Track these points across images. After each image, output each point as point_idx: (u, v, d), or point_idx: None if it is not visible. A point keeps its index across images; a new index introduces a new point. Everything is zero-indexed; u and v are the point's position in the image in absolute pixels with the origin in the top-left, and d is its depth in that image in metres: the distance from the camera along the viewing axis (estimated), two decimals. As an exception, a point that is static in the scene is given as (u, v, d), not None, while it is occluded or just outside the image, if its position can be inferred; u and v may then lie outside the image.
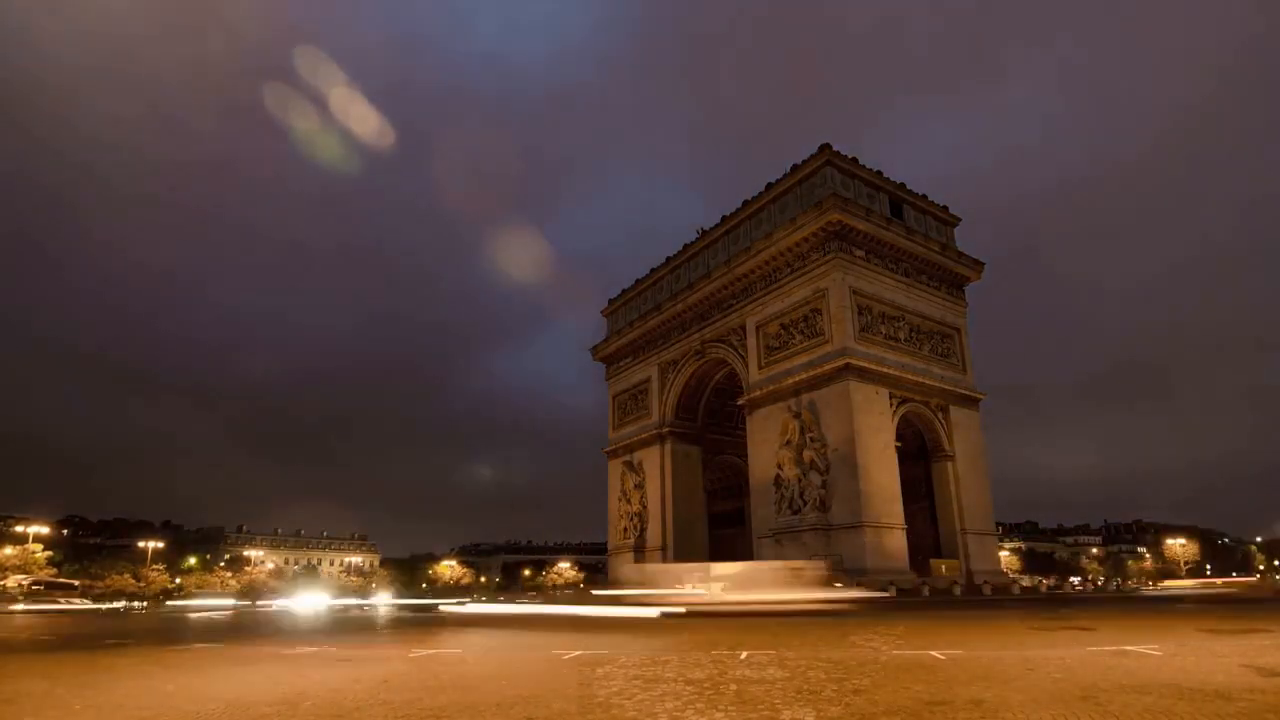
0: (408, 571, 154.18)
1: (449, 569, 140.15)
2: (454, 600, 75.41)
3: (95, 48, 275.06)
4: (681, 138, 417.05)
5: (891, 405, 59.81)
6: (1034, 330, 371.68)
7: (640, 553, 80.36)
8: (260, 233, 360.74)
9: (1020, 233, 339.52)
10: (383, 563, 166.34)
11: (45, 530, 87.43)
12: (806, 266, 62.92)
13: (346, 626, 30.89)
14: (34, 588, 60.23)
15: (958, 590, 53.98)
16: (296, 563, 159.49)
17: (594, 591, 63.59)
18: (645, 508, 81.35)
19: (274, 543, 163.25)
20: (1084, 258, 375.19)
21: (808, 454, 58.70)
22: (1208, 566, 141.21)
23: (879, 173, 66.16)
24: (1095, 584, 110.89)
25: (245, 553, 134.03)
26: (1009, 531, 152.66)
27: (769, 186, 68.64)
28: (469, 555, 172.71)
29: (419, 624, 31.37)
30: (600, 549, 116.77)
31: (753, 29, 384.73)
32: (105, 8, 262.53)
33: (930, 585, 52.65)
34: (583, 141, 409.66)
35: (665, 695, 8.94)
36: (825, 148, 63.50)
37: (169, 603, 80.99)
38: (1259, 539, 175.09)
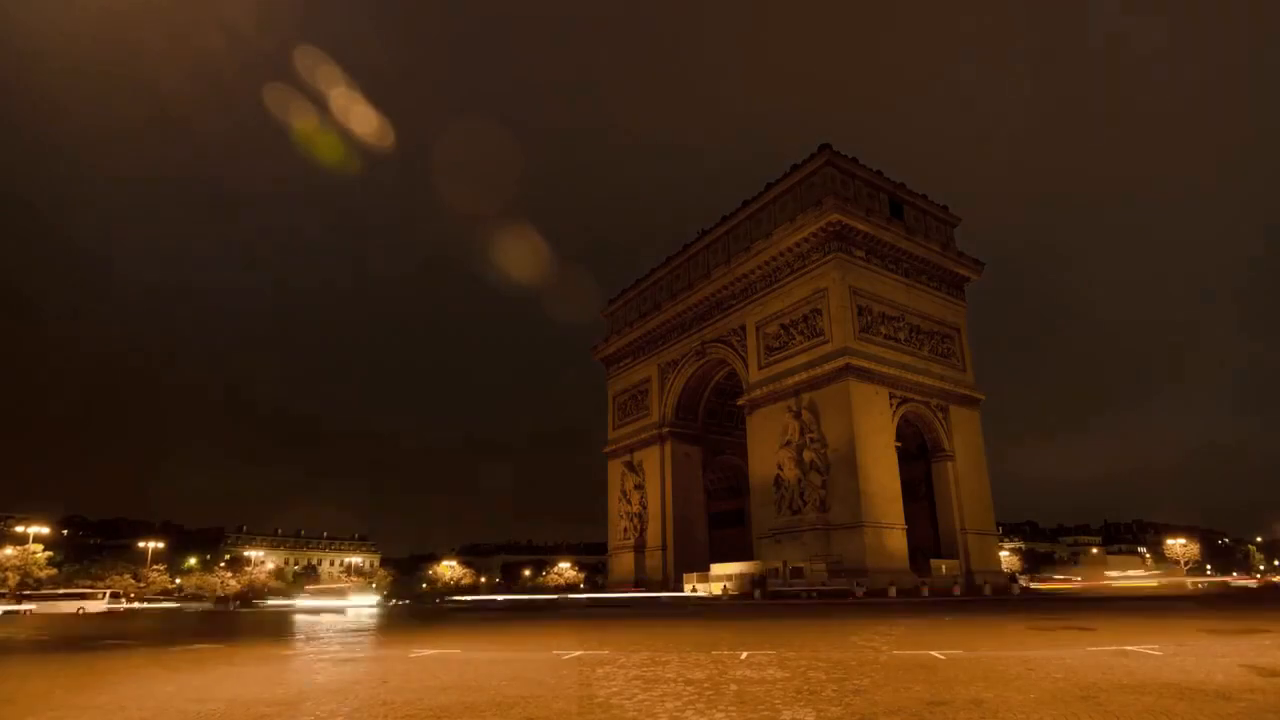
0: (408, 571, 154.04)
1: (449, 569, 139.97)
2: None
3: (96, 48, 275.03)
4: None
5: (891, 405, 59.83)
6: (1036, 329, 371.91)
7: (640, 552, 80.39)
8: (261, 231, 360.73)
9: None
10: (383, 563, 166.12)
11: (45, 530, 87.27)
12: (806, 266, 62.91)
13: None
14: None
15: (958, 590, 53.99)
16: (296, 563, 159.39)
17: None
18: (645, 508, 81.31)
19: (274, 543, 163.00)
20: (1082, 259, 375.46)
21: (808, 454, 58.71)
22: (1208, 566, 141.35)
23: (879, 172, 66.16)
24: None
25: (245, 553, 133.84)
26: (1009, 531, 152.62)
27: (769, 186, 68.64)
28: (469, 555, 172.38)
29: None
30: (601, 549, 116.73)
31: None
32: (106, 8, 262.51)
33: (930, 585, 52.65)
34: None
35: (665, 695, 8.93)
36: (825, 148, 63.50)
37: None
38: (1259, 539, 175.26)
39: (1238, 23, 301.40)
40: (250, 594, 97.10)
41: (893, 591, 47.95)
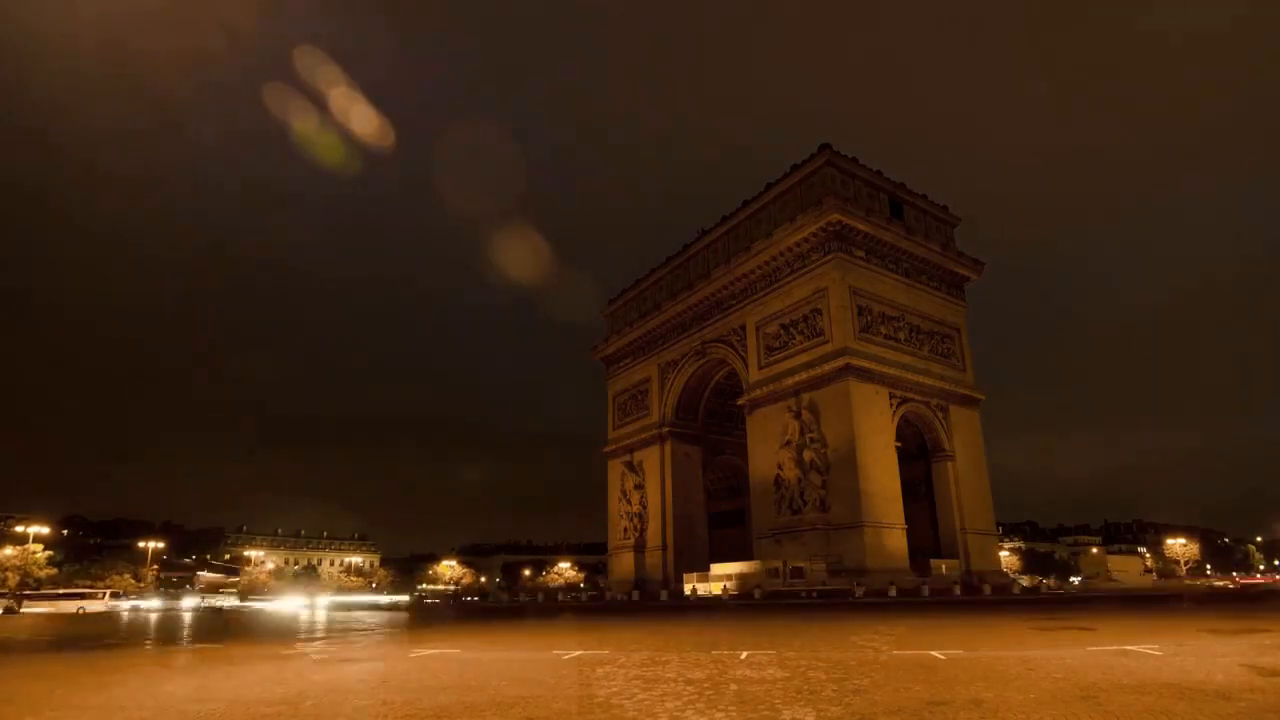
0: (408, 571, 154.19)
1: (449, 569, 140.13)
2: None
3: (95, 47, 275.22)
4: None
5: (891, 405, 59.79)
6: (1036, 329, 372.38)
7: (640, 552, 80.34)
8: (260, 230, 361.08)
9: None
10: (383, 563, 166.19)
11: (45, 530, 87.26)
12: (807, 266, 62.88)
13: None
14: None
15: (957, 590, 53.95)
16: (296, 563, 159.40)
17: None
18: (645, 508, 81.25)
19: (274, 543, 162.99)
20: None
21: (808, 454, 58.67)
22: (1208, 566, 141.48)
23: (879, 172, 66.11)
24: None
25: (245, 553, 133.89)
26: (1009, 531, 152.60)
27: (769, 186, 68.60)
28: (469, 555, 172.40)
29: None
30: (601, 549, 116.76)
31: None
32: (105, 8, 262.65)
33: (930, 585, 52.62)
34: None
35: (665, 695, 8.93)
36: (825, 148, 63.45)
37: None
38: (1259, 539, 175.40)
39: (1239, 18, 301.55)
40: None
41: (893, 591, 47.93)
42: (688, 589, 63.70)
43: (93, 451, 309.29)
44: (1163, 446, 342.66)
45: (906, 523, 57.60)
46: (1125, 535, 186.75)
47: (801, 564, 55.17)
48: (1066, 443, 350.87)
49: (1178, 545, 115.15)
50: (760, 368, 66.06)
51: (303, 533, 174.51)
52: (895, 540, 56.06)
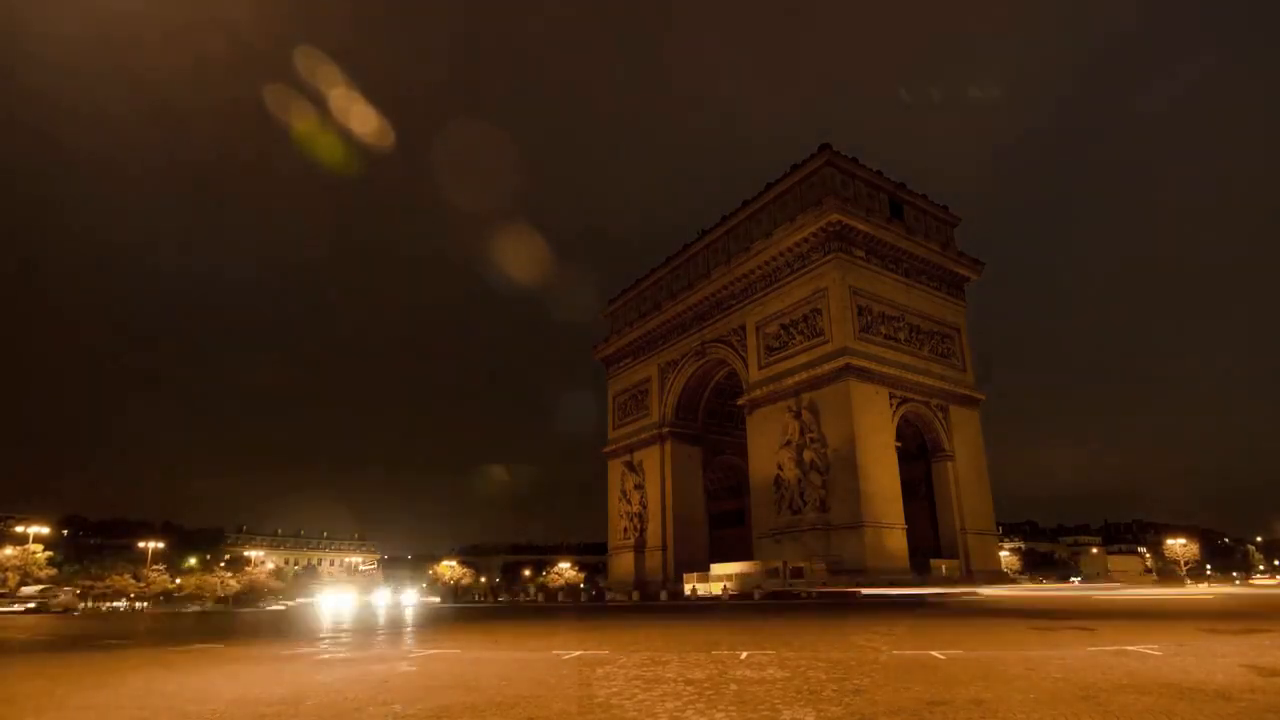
0: (408, 571, 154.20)
1: (449, 569, 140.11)
2: None
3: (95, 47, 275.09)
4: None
5: (891, 405, 59.87)
6: (1036, 329, 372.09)
7: (640, 552, 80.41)
8: (261, 231, 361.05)
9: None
10: (383, 563, 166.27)
11: (45, 530, 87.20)
12: (807, 266, 62.95)
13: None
14: None
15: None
16: (297, 563, 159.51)
17: None
18: (645, 508, 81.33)
19: (274, 543, 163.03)
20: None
21: (808, 454, 58.73)
22: (1208, 566, 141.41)
23: (879, 172, 66.18)
24: None
25: (245, 553, 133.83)
26: (1009, 531, 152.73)
27: (769, 186, 68.70)
28: (469, 555, 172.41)
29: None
30: (601, 549, 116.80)
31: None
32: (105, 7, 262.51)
33: (930, 585, 52.62)
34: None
35: (665, 695, 8.93)
36: (825, 148, 63.53)
37: None
38: (1259, 539, 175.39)
39: (1234, 28, 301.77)
40: None
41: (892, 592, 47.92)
42: (688, 589, 63.72)
43: (93, 451, 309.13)
44: (1163, 446, 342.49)
45: (906, 523, 57.65)
46: (1125, 535, 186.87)
47: (801, 564, 55.20)
48: (1066, 442, 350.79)
49: (1178, 545, 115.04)
50: (760, 368, 66.10)
51: (302, 533, 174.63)
52: (895, 540, 56.09)
